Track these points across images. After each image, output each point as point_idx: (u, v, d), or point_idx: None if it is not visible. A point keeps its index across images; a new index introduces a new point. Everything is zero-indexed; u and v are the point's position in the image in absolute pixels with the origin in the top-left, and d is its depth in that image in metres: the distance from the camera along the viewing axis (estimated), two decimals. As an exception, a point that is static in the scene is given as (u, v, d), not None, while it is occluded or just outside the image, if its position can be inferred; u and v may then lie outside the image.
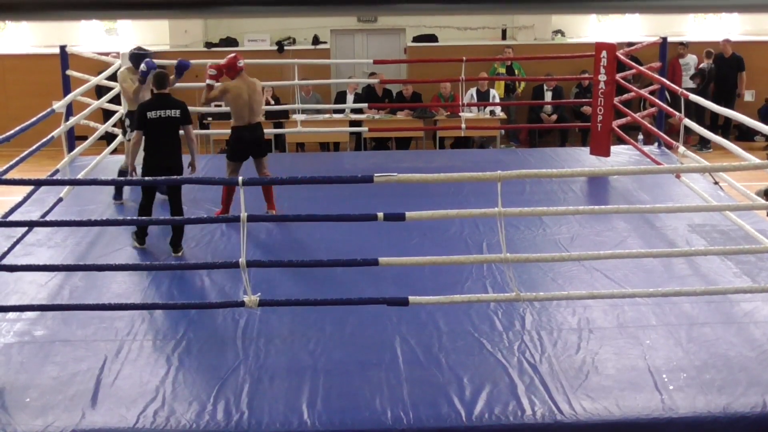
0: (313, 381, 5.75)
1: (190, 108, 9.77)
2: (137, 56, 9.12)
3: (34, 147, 8.18)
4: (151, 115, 7.86)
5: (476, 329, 6.42)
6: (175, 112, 7.91)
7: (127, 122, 9.13)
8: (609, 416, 5.38)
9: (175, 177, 7.74)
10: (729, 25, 17.20)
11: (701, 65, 15.60)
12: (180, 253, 7.95)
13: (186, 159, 8.09)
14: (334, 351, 6.17)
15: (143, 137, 7.91)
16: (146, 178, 7.84)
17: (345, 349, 6.21)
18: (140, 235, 8.10)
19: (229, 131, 8.95)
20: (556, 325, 6.49)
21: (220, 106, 10.63)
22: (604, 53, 10.50)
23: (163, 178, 7.71)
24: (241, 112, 8.63)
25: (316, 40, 16.58)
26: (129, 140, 8.86)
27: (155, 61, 9.08)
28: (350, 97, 14.96)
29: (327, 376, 5.82)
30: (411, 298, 6.01)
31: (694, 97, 9.14)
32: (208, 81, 8.78)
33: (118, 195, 9.47)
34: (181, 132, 8.08)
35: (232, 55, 8.79)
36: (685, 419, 5.36)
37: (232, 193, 8.63)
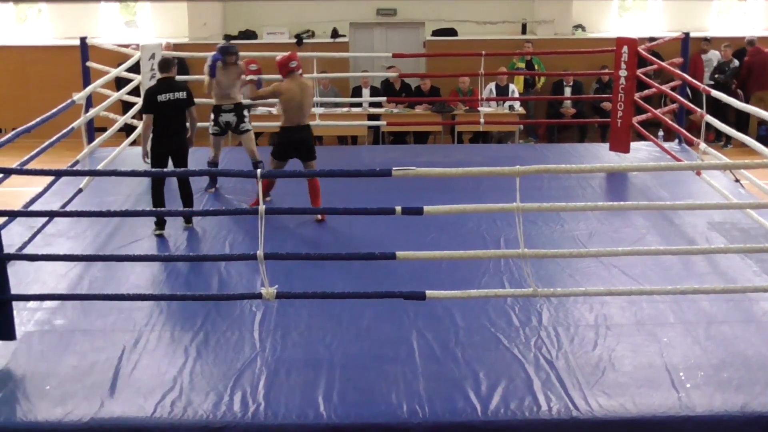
0: (329, 374, 5.76)
1: (208, 99, 9.84)
2: (222, 50, 9.14)
3: (54, 138, 8.22)
4: (161, 98, 8.07)
5: (493, 324, 6.42)
6: (182, 94, 8.15)
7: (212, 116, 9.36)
8: (625, 413, 5.36)
9: (204, 170, 7.88)
10: (753, 21, 17.08)
11: (732, 62, 15.39)
12: (191, 224, 8.34)
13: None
14: (350, 344, 6.18)
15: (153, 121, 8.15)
16: (154, 167, 8.16)
17: (361, 342, 6.23)
18: (159, 222, 8.24)
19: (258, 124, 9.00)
20: (573, 321, 6.48)
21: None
22: (625, 48, 10.45)
23: (183, 170, 7.94)
24: (291, 113, 8.53)
25: (335, 34, 16.56)
26: (212, 133, 9.32)
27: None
28: (365, 92, 14.93)
29: (343, 369, 5.83)
30: (428, 293, 6.01)
31: (716, 93, 9.08)
32: (250, 77, 8.75)
33: (211, 184, 9.60)
34: None
35: (287, 53, 8.70)
36: (701, 418, 5.34)
37: (270, 187, 8.72)
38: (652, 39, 13.71)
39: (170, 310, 6.67)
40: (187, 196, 8.33)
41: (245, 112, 9.30)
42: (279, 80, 8.72)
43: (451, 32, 16.53)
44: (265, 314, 6.57)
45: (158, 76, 8.37)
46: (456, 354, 6.02)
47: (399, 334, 6.30)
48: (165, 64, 8.28)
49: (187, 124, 8.31)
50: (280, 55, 8.67)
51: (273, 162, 8.70)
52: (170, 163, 8.26)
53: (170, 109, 8.11)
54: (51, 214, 7.73)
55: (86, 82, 10.60)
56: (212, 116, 9.30)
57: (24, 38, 16.90)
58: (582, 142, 14.46)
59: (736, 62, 15.43)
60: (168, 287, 7.14)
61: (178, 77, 14.48)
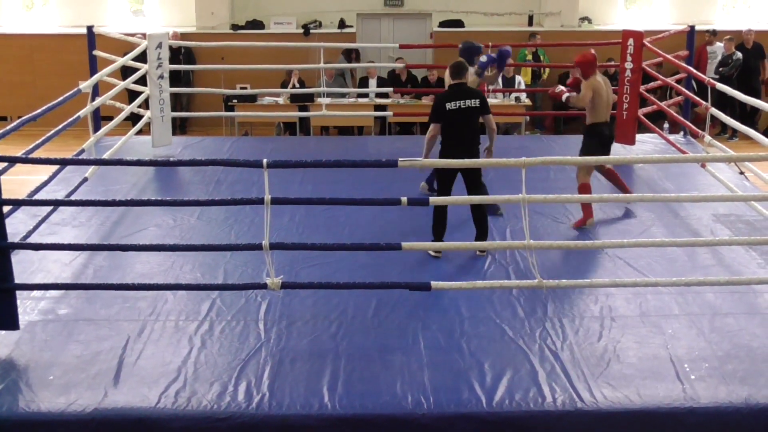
0: (334, 364, 5.77)
1: (215, 89, 9.74)
2: (470, 50, 8.86)
3: (60, 126, 8.21)
4: (450, 106, 7.50)
5: (498, 316, 6.42)
6: (475, 102, 7.51)
7: None
8: (629, 405, 5.36)
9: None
10: (758, 14, 17.03)
11: (734, 55, 15.34)
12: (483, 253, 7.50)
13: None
14: (355, 335, 6.18)
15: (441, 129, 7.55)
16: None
17: (367, 333, 6.22)
18: (439, 233, 7.56)
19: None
20: (578, 312, 6.48)
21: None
22: (631, 41, 10.44)
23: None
24: (601, 109, 8.42)
25: (342, 24, 16.55)
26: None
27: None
28: (372, 82, 14.93)
29: (348, 359, 5.83)
30: (433, 284, 6.01)
31: (721, 86, 9.06)
32: (567, 95, 8.48)
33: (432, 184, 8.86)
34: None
35: (586, 52, 8.47)
36: (706, 409, 5.34)
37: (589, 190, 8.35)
38: (657, 32, 13.65)
39: (175, 299, 6.66)
40: (479, 220, 7.56)
41: None
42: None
43: (458, 23, 16.52)
44: (270, 304, 6.57)
45: (450, 81, 7.72)
46: (461, 345, 6.02)
47: (404, 324, 6.30)
48: (457, 70, 7.61)
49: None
50: (580, 55, 8.47)
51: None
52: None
53: (459, 117, 7.48)
54: (56, 203, 7.73)
55: (93, 71, 10.59)
56: None
57: (31, 26, 16.91)
58: (588, 134, 14.42)
59: (739, 54, 15.37)
60: (173, 276, 7.15)
61: (185, 66, 14.48)
